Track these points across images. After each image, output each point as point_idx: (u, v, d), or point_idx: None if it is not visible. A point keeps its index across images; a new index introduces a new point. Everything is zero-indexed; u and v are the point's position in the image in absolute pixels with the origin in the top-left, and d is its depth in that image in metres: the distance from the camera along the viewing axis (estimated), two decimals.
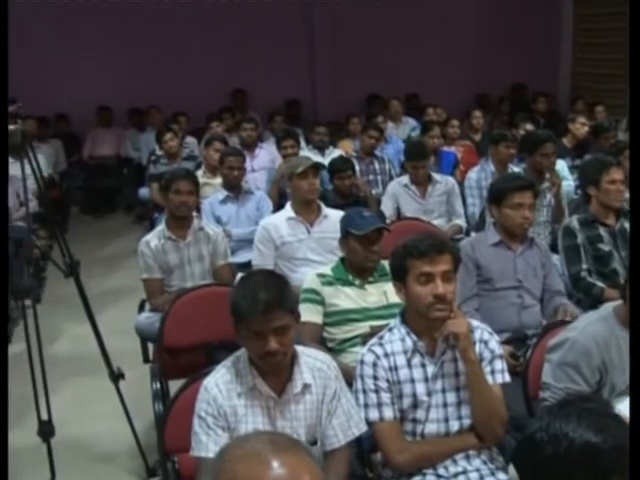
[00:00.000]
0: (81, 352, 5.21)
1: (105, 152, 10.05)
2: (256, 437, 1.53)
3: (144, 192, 8.02)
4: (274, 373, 2.55)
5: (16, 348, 4.73)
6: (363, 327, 3.51)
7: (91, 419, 4.44)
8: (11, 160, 7.17)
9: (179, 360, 3.87)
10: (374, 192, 6.58)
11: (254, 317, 2.42)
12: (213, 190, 6.04)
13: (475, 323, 2.87)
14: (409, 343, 2.76)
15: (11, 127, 3.27)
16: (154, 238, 4.41)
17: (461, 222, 5.86)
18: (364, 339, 3.37)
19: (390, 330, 2.84)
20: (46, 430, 3.36)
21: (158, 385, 3.59)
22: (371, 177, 6.90)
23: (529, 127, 7.75)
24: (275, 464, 1.39)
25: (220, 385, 2.55)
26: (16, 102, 3.28)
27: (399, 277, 2.78)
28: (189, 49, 10.19)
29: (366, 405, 2.72)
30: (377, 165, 6.99)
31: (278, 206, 5.70)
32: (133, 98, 10.12)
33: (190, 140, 8.71)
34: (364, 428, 2.67)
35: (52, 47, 9.94)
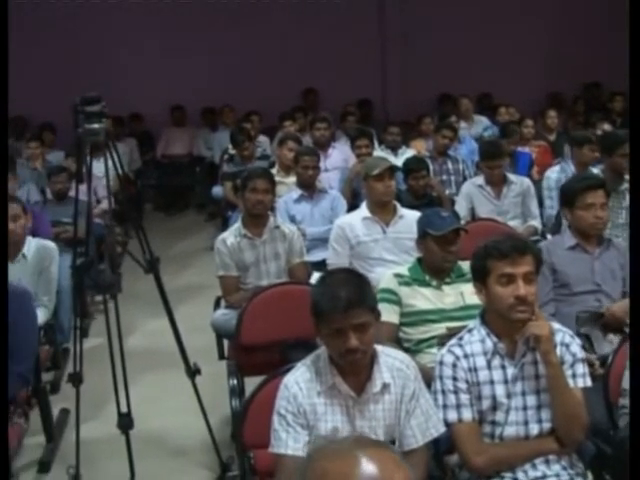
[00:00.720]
0: (156, 347, 5.30)
1: (178, 151, 10.21)
2: (343, 438, 1.54)
3: (217, 190, 8.09)
4: (354, 372, 2.55)
5: (93, 342, 4.85)
6: (439, 328, 3.48)
7: (166, 413, 4.51)
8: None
9: (254, 357, 3.90)
10: (447, 192, 6.53)
11: (335, 314, 2.43)
12: (286, 189, 6.07)
13: (557, 326, 2.83)
14: (489, 344, 2.73)
15: (95, 126, 3.33)
16: (230, 236, 4.45)
17: (536, 223, 5.77)
18: (441, 340, 3.35)
19: (470, 331, 2.81)
20: (125, 423, 3.42)
21: (235, 382, 3.62)
22: (444, 177, 6.84)
23: (606, 127, 7.59)
24: (365, 461, 1.39)
25: (300, 383, 2.56)
26: (100, 101, 3.34)
27: (480, 278, 2.75)
28: (262, 49, 10.27)
29: (445, 406, 2.70)
30: (450, 165, 6.92)
31: (351, 206, 5.71)
32: (206, 97, 10.26)
33: (262, 139, 8.77)
34: (442, 429, 2.65)
35: (128, 47, 10.15)
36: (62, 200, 6.45)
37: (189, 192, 10.22)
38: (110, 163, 3.46)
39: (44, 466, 4.12)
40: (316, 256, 5.10)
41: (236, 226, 4.53)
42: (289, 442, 2.50)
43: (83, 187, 7.01)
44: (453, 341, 2.81)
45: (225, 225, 7.25)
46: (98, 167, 7.59)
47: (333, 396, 2.55)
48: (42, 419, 4.17)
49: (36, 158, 8.08)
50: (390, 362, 2.62)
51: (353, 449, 1.43)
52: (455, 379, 2.71)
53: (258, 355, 3.92)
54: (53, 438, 4.28)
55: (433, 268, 3.61)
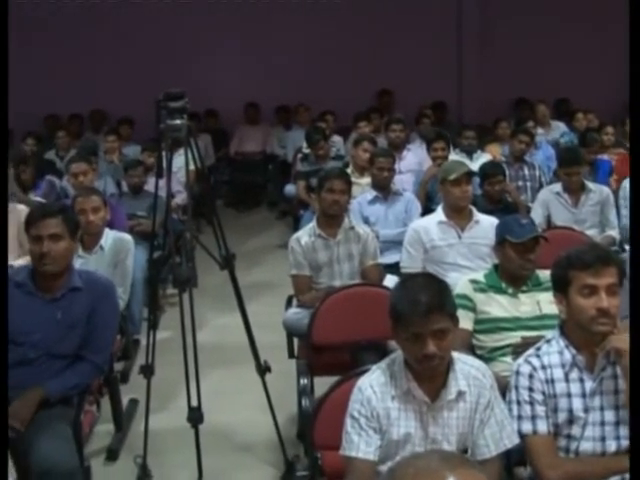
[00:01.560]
0: (224, 342, 5.34)
1: (251, 148, 10.25)
2: (427, 454, 1.50)
3: (290, 189, 8.10)
4: (429, 378, 2.51)
5: (163, 335, 4.88)
6: (514, 337, 3.42)
7: (233, 408, 4.52)
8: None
9: (325, 357, 3.90)
10: (522, 198, 6.42)
11: (414, 318, 2.40)
12: (360, 190, 6.04)
13: None
14: (568, 356, 2.67)
15: (177, 122, 3.35)
16: (305, 235, 4.46)
17: (614, 233, 5.63)
18: (515, 349, 3.29)
19: (548, 342, 2.75)
20: (195, 417, 3.44)
21: (305, 381, 3.62)
22: (520, 183, 6.72)
23: None
24: None
25: (374, 387, 2.54)
26: (184, 97, 3.37)
27: (561, 288, 2.69)
28: (338, 48, 10.27)
29: (519, 417, 2.65)
30: (527, 171, 6.80)
31: (425, 209, 5.66)
32: (281, 96, 10.30)
33: (336, 139, 8.76)
34: (516, 440, 2.60)
35: (207, 45, 10.28)
36: (137, 194, 6.54)
37: (261, 190, 10.27)
38: (188, 158, 3.48)
39: (112, 454, 4.19)
40: (389, 258, 5.06)
41: (310, 225, 4.54)
42: (361, 445, 2.48)
43: (160, 181, 7.15)
44: (530, 351, 2.75)
45: (297, 224, 7.27)
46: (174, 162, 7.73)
47: (407, 401, 2.52)
48: (112, 408, 4.24)
49: (113, 151, 8.21)
50: (466, 370, 2.58)
51: (441, 468, 1.38)
52: (531, 390, 2.65)
53: (329, 355, 3.93)
54: (122, 427, 4.34)
55: (510, 276, 3.55)
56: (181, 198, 6.41)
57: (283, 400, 4.08)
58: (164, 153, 3.53)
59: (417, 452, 1.66)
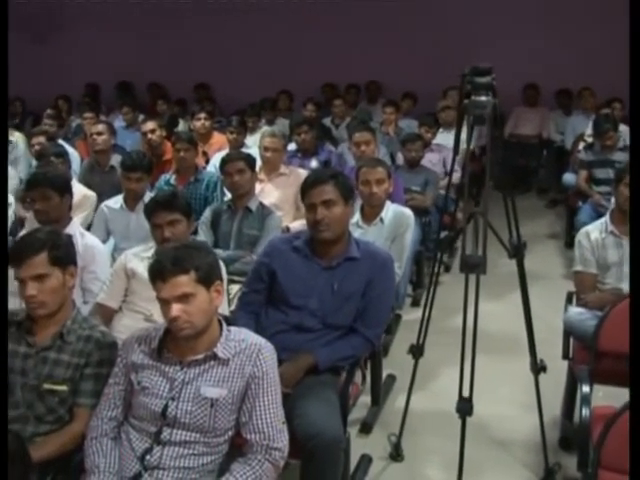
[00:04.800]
0: (487, 330, 5.14)
1: (527, 131, 9.86)
2: None
3: (569, 178, 7.68)
4: None
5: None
6: None
7: (496, 401, 4.33)
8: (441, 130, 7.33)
9: (608, 365, 3.60)
10: None
11: None
12: None
13: None
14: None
15: (482, 98, 3.20)
16: (595, 230, 4.19)
17: None
18: None
19: None
20: (465, 408, 3.28)
21: (587, 389, 3.35)
22: None
23: None
24: None
25: None
26: (490, 73, 3.21)
27: None
28: None
29: None
30: None
31: None
32: (563, 78, 9.76)
33: (623, 128, 8.15)
34: None
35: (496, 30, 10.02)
36: (413, 168, 6.49)
37: (533, 175, 9.89)
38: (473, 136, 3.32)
39: (366, 427, 4.20)
40: None
41: (602, 221, 4.25)
42: None
43: (432, 157, 7.06)
44: None
45: (571, 215, 6.92)
46: (447, 138, 7.62)
47: None
48: (372, 381, 4.23)
49: (389, 123, 8.22)
50: None
51: None
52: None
53: (610, 363, 3.63)
54: (378, 402, 4.33)
55: None
56: (456, 177, 6.26)
57: (546, 400, 3.83)
58: (464, 129, 3.39)
59: None
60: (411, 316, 5.50)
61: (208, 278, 2.65)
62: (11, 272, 2.97)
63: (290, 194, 5.66)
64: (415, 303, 5.95)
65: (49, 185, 4.13)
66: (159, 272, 2.60)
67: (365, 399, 4.27)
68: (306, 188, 3.48)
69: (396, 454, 3.95)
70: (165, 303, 2.61)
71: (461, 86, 3.24)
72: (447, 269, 6.35)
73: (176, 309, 2.58)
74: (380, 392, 4.35)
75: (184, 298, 2.58)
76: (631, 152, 3.56)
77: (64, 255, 2.95)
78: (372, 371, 4.18)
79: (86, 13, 11.60)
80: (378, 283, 3.43)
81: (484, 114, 3.19)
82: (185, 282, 2.59)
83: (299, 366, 3.26)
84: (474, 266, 3.05)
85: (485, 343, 4.98)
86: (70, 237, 3.13)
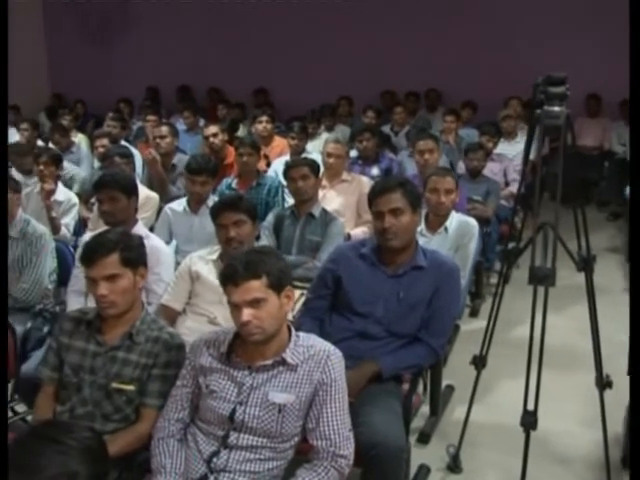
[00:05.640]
0: (549, 343, 5.08)
1: (588, 142, 9.75)
2: None
3: None
4: None
5: (482, 324, 4.72)
6: None
7: (554, 415, 4.23)
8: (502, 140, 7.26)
9: None
10: None
11: None
12: None
13: None
14: None
15: (555, 109, 3.17)
16: None
17: None
18: None
19: None
20: (530, 421, 3.23)
21: None
22: None
23: None
24: None
25: None
26: (564, 83, 3.18)
27: None
28: None
29: None
30: None
31: None
32: (626, 86, 9.59)
33: None
34: None
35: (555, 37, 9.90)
36: (474, 177, 6.45)
37: (593, 187, 9.72)
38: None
39: (424, 437, 4.19)
40: None
41: None
42: None
43: (494, 166, 7.00)
44: None
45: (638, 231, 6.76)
46: (507, 148, 7.55)
47: None
48: (431, 391, 4.20)
49: (450, 132, 8.18)
50: None
51: None
52: None
53: None
54: (437, 412, 4.31)
55: None
56: (515, 187, 6.23)
57: (609, 416, 3.76)
58: (535, 140, 3.35)
59: None
60: (469, 326, 5.48)
61: (279, 283, 2.66)
62: (81, 271, 3.01)
63: (352, 201, 5.66)
64: (473, 314, 5.91)
65: (117, 187, 4.18)
66: (231, 276, 2.62)
67: (423, 409, 4.25)
68: (374, 196, 3.47)
69: (454, 466, 3.92)
70: (236, 307, 2.62)
71: (533, 95, 3.20)
72: (506, 280, 6.28)
73: (247, 314, 2.59)
74: (439, 402, 4.32)
75: (255, 303, 2.60)
76: (631, 152, 3.47)
77: (135, 256, 2.98)
78: (432, 381, 4.14)
79: (147, 18, 11.79)
80: (444, 292, 3.42)
81: (555, 124, 3.13)
82: (257, 287, 2.60)
83: (363, 374, 3.25)
84: (543, 278, 3.01)
85: (546, 356, 4.96)
86: (141, 238, 3.15)
